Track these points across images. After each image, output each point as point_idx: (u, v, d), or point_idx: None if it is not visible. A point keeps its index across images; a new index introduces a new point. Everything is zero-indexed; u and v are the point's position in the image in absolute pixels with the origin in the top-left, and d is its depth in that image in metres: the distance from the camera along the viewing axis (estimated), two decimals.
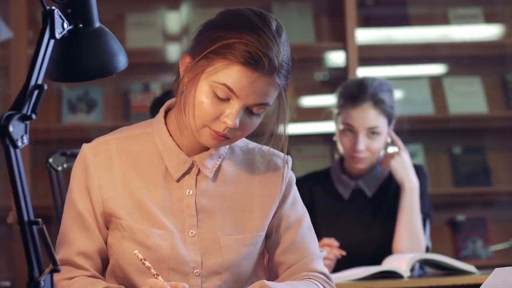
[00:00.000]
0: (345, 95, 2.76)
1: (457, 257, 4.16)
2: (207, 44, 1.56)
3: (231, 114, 1.55)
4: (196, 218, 1.64)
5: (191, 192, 1.65)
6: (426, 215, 2.81)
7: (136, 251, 1.56)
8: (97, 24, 1.49)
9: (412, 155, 4.22)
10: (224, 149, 1.69)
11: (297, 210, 1.74)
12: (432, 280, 2.45)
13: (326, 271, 1.73)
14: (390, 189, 2.81)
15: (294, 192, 1.74)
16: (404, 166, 2.75)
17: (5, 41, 4.00)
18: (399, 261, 2.55)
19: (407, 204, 2.71)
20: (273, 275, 1.74)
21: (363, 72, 4.20)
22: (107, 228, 1.66)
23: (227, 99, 1.56)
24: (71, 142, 3.79)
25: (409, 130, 4.27)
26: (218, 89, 1.55)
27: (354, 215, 2.80)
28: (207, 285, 1.63)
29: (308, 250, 1.72)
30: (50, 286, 1.19)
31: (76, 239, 1.63)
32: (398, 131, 4.22)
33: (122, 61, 1.50)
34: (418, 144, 4.26)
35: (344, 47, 4.03)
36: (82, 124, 4.13)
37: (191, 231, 1.64)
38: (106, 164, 1.65)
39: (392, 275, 2.50)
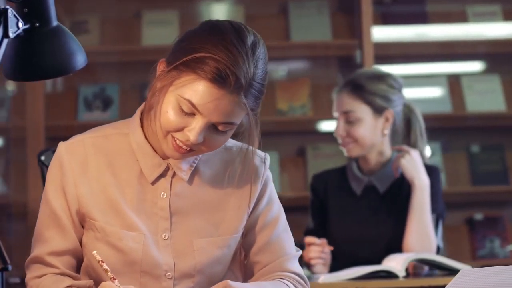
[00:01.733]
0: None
1: (474, 256, 4.14)
2: (180, 55, 1.54)
3: (193, 130, 1.54)
4: (169, 221, 1.64)
5: (165, 195, 1.65)
6: (439, 216, 2.79)
7: (94, 252, 1.56)
8: (54, 23, 1.50)
9: (430, 154, 4.21)
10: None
11: (273, 209, 1.72)
12: (425, 280, 2.43)
13: (301, 271, 1.72)
14: (405, 186, 2.79)
15: (271, 191, 1.73)
16: (414, 164, 2.73)
17: None
18: (396, 261, 2.54)
19: (417, 202, 2.69)
20: (249, 274, 1.73)
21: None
22: (83, 227, 1.66)
23: (192, 114, 1.54)
24: None
25: (427, 129, 4.24)
26: (183, 104, 1.54)
27: (366, 211, 2.80)
28: (180, 287, 1.63)
29: (283, 249, 1.70)
30: (1, 284, 1.19)
31: (49, 238, 1.64)
32: None
33: (80, 60, 1.51)
34: (435, 142, 4.23)
35: (361, 45, 4.01)
36: (98, 121, 4.12)
37: (164, 234, 1.64)
38: (81, 163, 1.64)
39: (388, 274, 2.50)
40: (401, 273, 2.48)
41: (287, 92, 4.24)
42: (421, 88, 4.26)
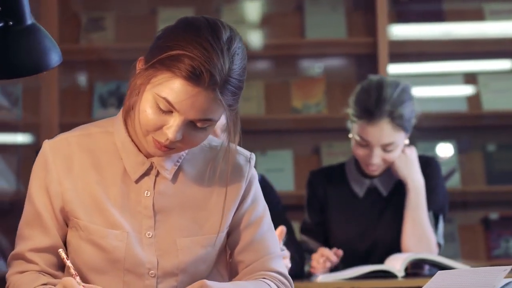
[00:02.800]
0: (362, 107, 2.69)
1: (488, 256, 4.12)
2: (156, 53, 1.55)
3: (171, 127, 1.54)
4: (153, 219, 1.64)
5: (149, 193, 1.65)
6: (439, 211, 2.76)
7: (60, 249, 1.57)
8: (29, 21, 1.50)
9: (446, 153, 4.18)
10: (184, 151, 1.66)
11: (257, 208, 1.72)
12: (423, 280, 2.40)
13: (284, 270, 1.72)
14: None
15: (256, 190, 1.73)
16: (408, 164, 2.70)
17: None
18: (396, 261, 2.52)
19: (411, 203, 2.67)
20: (233, 273, 1.73)
21: (395, 68, 4.17)
22: (67, 225, 1.67)
23: (169, 111, 1.55)
24: None
25: (442, 127, 4.23)
26: (159, 102, 1.54)
27: (369, 213, 2.78)
28: (163, 286, 1.64)
29: (267, 249, 1.70)
30: None
31: (31, 235, 1.65)
32: (431, 129, 4.19)
33: (54, 58, 1.51)
34: (451, 141, 4.21)
35: (375, 43, 4.00)
36: None
37: (148, 232, 1.64)
38: (66, 161, 1.65)
39: (387, 274, 2.49)
40: (400, 273, 2.47)
41: (302, 90, 4.23)
42: (437, 86, 4.23)
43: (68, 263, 1.55)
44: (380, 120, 2.65)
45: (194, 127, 1.57)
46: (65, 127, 3.94)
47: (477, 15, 4.27)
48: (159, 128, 1.56)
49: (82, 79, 4.30)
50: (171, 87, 1.52)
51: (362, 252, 2.73)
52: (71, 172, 1.64)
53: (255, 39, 4.23)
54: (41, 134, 3.89)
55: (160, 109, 1.55)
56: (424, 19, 4.24)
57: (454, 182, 4.15)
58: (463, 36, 4.21)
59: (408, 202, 2.67)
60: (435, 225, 2.73)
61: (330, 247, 2.78)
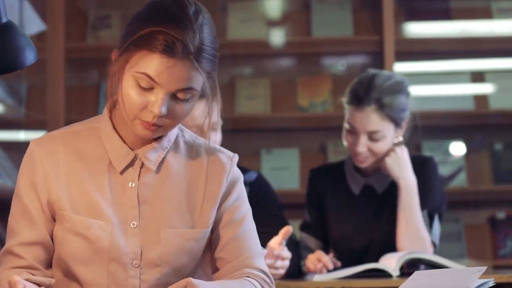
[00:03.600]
0: (352, 93, 2.73)
1: (495, 255, 4.10)
2: (128, 37, 1.61)
3: (156, 103, 1.59)
4: (138, 210, 1.68)
5: (133, 184, 1.69)
6: (434, 211, 2.74)
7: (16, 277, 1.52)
8: (4, 19, 1.51)
9: (452, 152, 4.17)
10: (168, 142, 1.72)
11: (240, 209, 1.75)
12: None
13: (266, 268, 1.74)
14: None
15: (240, 191, 1.77)
16: (399, 163, 2.69)
17: (41, 33, 4.03)
18: (391, 260, 2.52)
19: (403, 203, 2.66)
20: (214, 270, 1.76)
21: (402, 67, 4.16)
22: (54, 220, 1.70)
23: (151, 88, 1.60)
24: None
25: (449, 126, 4.21)
26: (140, 79, 1.59)
27: (364, 211, 2.78)
28: (146, 277, 1.67)
29: (248, 248, 1.73)
30: None
31: (19, 230, 1.68)
32: (438, 127, 4.18)
33: (29, 56, 1.53)
34: (458, 140, 4.20)
35: (382, 41, 3.99)
36: None
37: (133, 222, 1.68)
38: (51, 157, 1.70)
39: (382, 273, 2.48)
40: (395, 272, 2.46)
41: (308, 89, 4.22)
42: (444, 85, 4.22)
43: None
44: (367, 107, 2.67)
45: (177, 99, 1.62)
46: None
47: (485, 13, 4.25)
48: (144, 107, 1.61)
49: (88, 76, 4.30)
50: (148, 63, 1.58)
51: (358, 249, 2.73)
52: (56, 166, 1.69)
53: (261, 36, 4.22)
54: (47, 132, 3.89)
55: (142, 88, 1.60)
56: (432, 17, 4.23)
57: (460, 181, 4.14)
58: (470, 34, 4.20)
59: (401, 201, 2.67)
60: (430, 225, 2.71)
61: (328, 244, 2.80)
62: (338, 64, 4.26)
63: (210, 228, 1.72)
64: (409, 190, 2.67)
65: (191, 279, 1.56)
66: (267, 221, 2.74)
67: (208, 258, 1.76)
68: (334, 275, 2.49)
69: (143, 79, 1.58)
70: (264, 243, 2.65)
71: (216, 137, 2.75)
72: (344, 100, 2.78)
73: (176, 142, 1.74)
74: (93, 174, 1.68)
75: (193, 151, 1.74)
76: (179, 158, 1.73)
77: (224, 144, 4.17)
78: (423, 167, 2.76)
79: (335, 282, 2.39)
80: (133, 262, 1.66)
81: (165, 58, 1.57)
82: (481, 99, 4.20)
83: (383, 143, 2.70)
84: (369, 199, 2.79)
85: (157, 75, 1.58)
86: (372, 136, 2.68)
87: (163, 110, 1.59)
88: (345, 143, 2.78)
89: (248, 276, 1.69)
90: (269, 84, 4.25)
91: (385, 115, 2.67)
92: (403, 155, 2.71)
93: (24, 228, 1.68)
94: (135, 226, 1.67)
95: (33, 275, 1.64)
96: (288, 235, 2.47)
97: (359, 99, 2.69)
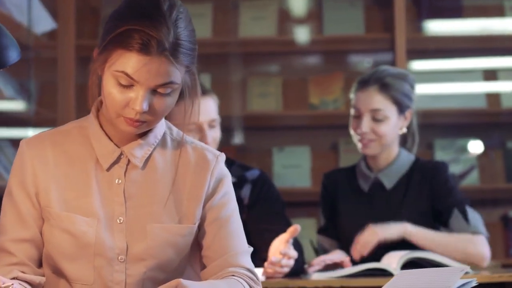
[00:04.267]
0: (358, 80, 2.83)
1: (507, 253, 4.09)
2: (106, 35, 1.64)
3: (136, 99, 1.62)
4: (124, 206, 1.71)
5: (120, 181, 1.72)
6: (463, 206, 2.73)
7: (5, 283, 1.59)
8: None
9: (464, 150, 4.16)
10: (155, 139, 1.75)
11: (226, 207, 1.77)
12: None
13: (252, 266, 1.75)
14: (413, 182, 2.78)
15: (227, 189, 1.78)
16: (383, 231, 2.66)
17: (52, 31, 4.03)
18: (393, 259, 2.53)
19: (422, 245, 2.64)
20: (201, 267, 1.78)
21: (414, 65, 4.15)
22: (43, 218, 1.73)
23: (131, 86, 1.63)
24: None
25: (461, 124, 4.20)
26: (120, 78, 1.62)
27: (373, 208, 2.79)
28: (132, 271, 1.69)
29: (234, 246, 1.75)
30: None
31: (10, 227, 1.71)
32: (450, 126, 4.17)
33: (13, 55, 1.55)
34: (471, 138, 4.19)
35: (393, 39, 3.98)
36: None
37: (120, 218, 1.70)
38: (41, 156, 1.73)
39: (384, 272, 2.47)
40: (396, 271, 2.45)
41: (319, 87, 4.22)
42: (456, 83, 4.20)
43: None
44: (370, 86, 2.77)
45: (158, 94, 1.64)
46: None
47: (498, 11, 4.23)
48: (126, 104, 1.63)
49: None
50: (126, 61, 1.60)
51: None
52: (45, 165, 1.72)
53: (273, 34, 4.22)
54: None
55: (122, 86, 1.62)
56: (444, 14, 4.21)
57: (473, 180, 4.12)
58: (483, 32, 4.18)
59: (423, 246, 2.65)
60: (466, 219, 2.71)
61: (340, 242, 2.83)
62: (365, 62, 4.26)
63: (197, 224, 1.74)
64: (413, 236, 2.66)
65: (181, 280, 1.56)
66: (268, 218, 2.76)
67: (197, 256, 1.78)
68: (334, 274, 2.48)
69: (122, 77, 1.61)
70: (264, 241, 2.66)
71: (215, 134, 2.76)
72: (352, 95, 2.84)
73: (163, 139, 1.76)
74: (80, 172, 1.72)
75: (179, 148, 1.77)
76: (165, 155, 1.75)
77: (235, 142, 4.19)
78: (436, 173, 2.77)
79: (333, 280, 2.39)
80: (119, 257, 1.69)
81: (141, 56, 1.59)
82: (493, 97, 4.18)
83: (386, 125, 2.75)
84: (378, 195, 2.80)
85: (135, 73, 1.60)
86: (375, 116, 2.75)
87: (144, 107, 1.62)
88: (352, 132, 2.82)
89: (234, 275, 1.71)
90: (280, 82, 4.25)
91: (387, 95, 2.75)
92: (374, 230, 2.67)
93: (15, 225, 1.71)
94: (121, 222, 1.70)
95: (24, 273, 1.68)
96: (295, 233, 2.47)
97: (364, 81, 2.79)
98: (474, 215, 2.76)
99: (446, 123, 4.18)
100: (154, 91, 1.63)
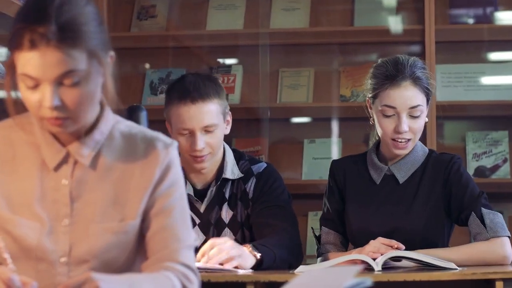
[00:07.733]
0: (381, 76, 2.66)
1: None
2: (9, 37, 1.59)
3: (45, 97, 1.57)
4: (69, 207, 1.67)
5: (66, 181, 1.67)
6: (479, 208, 2.63)
7: None
8: None
9: (496, 142, 4.13)
10: (101, 135, 1.69)
11: (172, 197, 1.71)
12: (397, 275, 2.36)
13: (191, 263, 1.70)
14: (426, 176, 2.72)
15: (173, 177, 1.71)
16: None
17: None
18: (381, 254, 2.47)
19: (437, 256, 2.52)
20: (144, 259, 1.72)
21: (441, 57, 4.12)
22: None
23: (37, 85, 1.58)
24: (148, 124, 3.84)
25: (494, 117, 4.17)
26: (25, 80, 1.58)
27: (384, 200, 2.72)
28: (75, 273, 1.65)
29: (176, 239, 1.69)
30: None
31: None
32: (482, 118, 4.14)
33: None
34: (503, 131, 4.16)
35: (423, 31, 3.96)
36: (161, 105, 4.17)
37: (64, 220, 1.66)
38: None
39: (368, 266, 2.43)
40: (376, 267, 2.40)
41: (350, 78, 4.21)
42: (489, 76, 4.17)
43: (5, 254, 1.58)
44: (402, 82, 2.62)
45: (64, 86, 1.58)
46: (115, 113, 3.99)
47: None
48: (40, 105, 1.58)
49: (133, 66, 4.34)
50: (23, 62, 1.56)
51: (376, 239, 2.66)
52: None
53: (304, 26, 4.22)
54: None
55: (30, 88, 1.58)
56: (476, 5, 4.17)
57: (504, 173, 4.10)
58: None
59: (438, 258, 2.52)
60: (483, 223, 2.61)
61: (347, 234, 2.78)
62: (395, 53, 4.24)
63: (139, 219, 1.69)
64: (420, 252, 2.52)
65: (91, 274, 1.52)
66: (272, 213, 2.72)
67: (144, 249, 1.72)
68: (320, 266, 2.45)
69: (26, 79, 1.57)
70: (262, 236, 2.65)
71: (211, 139, 2.69)
72: (369, 92, 2.73)
73: (110, 134, 1.70)
74: (25, 171, 1.68)
75: (128, 140, 1.71)
76: (114, 151, 1.70)
77: (265, 133, 4.20)
78: (451, 170, 2.69)
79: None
80: (61, 260, 1.65)
81: (32, 52, 1.55)
82: None
83: (421, 120, 2.66)
84: (390, 188, 2.73)
85: (32, 71, 1.56)
86: (412, 113, 2.63)
87: (55, 102, 1.56)
88: (379, 131, 2.71)
89: (167, 270, 1.66)
90: (311, 73, 4.25)
91: (420, 88, 2.64)
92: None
93: None
94: (66, 224, 1.66)
95: None
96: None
97: (392, 77, 2.63)
98: (491, 217, 2.63)
99: (478, 115, 4.16)
100: (61, 84, 1.57)
